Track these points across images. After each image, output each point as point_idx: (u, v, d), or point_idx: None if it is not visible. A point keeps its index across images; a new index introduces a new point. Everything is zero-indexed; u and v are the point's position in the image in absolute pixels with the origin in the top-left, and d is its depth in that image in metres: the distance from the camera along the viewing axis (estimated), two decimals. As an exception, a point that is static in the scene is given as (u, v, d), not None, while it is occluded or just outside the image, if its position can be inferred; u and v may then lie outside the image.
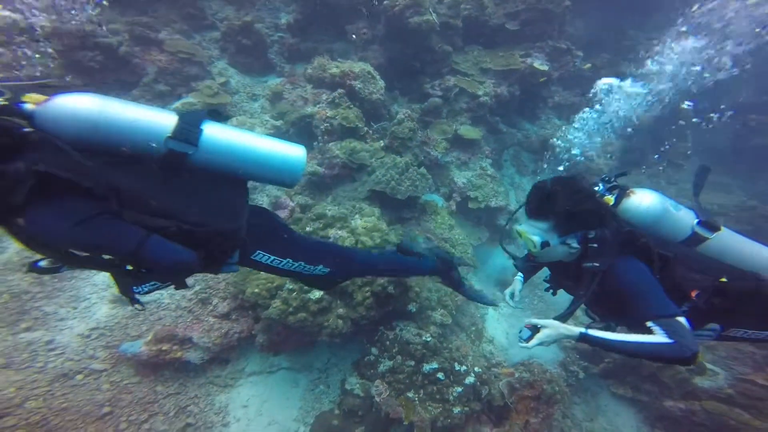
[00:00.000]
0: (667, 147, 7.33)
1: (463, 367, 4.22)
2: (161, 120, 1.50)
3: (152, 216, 1.43)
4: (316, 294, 3.83)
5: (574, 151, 5.99)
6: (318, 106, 5.56)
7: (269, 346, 4.11)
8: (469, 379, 4.17)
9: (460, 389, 4.08)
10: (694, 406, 4.77)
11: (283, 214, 4.67)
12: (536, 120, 6.93)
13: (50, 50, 5.14)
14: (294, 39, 6.67)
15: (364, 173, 4.88)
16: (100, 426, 3.27)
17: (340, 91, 5.37)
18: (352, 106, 5.36)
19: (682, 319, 1.49)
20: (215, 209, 1.61)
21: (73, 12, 5.31)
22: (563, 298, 2.17)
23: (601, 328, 1.84)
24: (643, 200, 1.79)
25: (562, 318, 1.79)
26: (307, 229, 4.22)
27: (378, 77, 5.55)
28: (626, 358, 2.02)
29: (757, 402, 4.66)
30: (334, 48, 6.50)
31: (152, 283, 1.55)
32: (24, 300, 3.89)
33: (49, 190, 1.24)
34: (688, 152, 7.83)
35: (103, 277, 4.20)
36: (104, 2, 5.47)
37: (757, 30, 6.39)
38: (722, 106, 7.38)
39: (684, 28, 6.18)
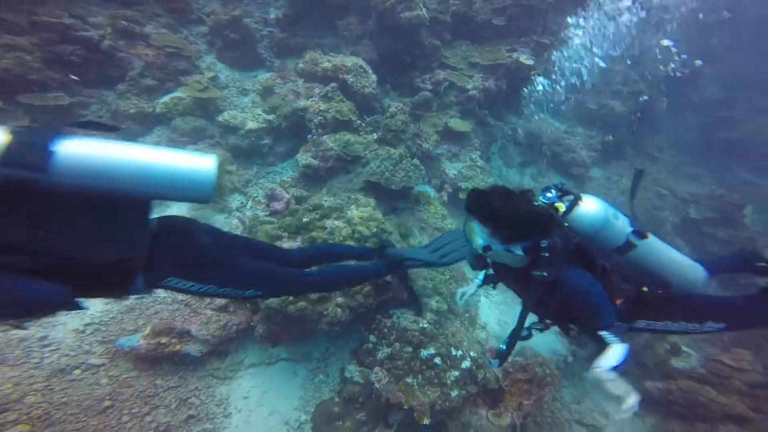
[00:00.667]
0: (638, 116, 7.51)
1: (459, 352, 4.33)
2: None
3: None
4: (316, 283, 3.88)
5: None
6: (311, 99, 5.58)
7: (268, 336, 4.13)
8: (465, 364, 4.28)
9: (456, 373, 4.19)
10: (670, 386, 5.06)
11: (278, 205, 4.69)
12: (522, 114, 7.13)
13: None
14: (283, 34, 6.67)
15: (358, 165, 4.94)
16: (102, 419, 3.23)
17: (333, 85, 5.41)
18: (345, 99, 5.41)
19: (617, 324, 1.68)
20: (100, 237, 1.42)
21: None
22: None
23: (539, 329, 1.99)
24: (589, 208, 1.80)
25: (516, 331, 1.82)
26: (304, 219, 4.25)
27: (370, 71, 5.61)
28: None
29: (724, 380, 5.03)
30: (324, 43, 6.53)
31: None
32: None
33: None
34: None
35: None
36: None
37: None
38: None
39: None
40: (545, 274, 1.60)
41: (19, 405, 3.02)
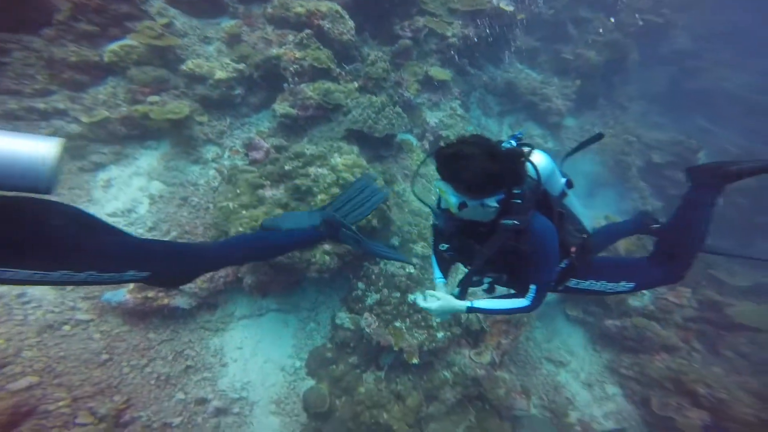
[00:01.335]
0: None
1: (445, 294, 4.51)
2: None
3: None
4: (304, 231, 3.87)
5: None
6: (285, 47, 5.28)
7: (257, 287, 4.14)
8: (451, 305, 4.47)
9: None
10: (626, 323, 5.56)
11: (258, 155, 4.55)
12: (500, 63, 7.07)
13: None
14: (248, -25, 6.15)
15: (339, 114, 4.81)
16: (104, 371, 3.26)
17: (307, 31, 5.12)
18: (321, 47, 5.16)
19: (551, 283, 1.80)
20: None
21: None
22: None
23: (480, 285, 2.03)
24: (539, 157, 1.83)
25: (463, 283, 1.94)
26: (287, 167, 4.17)
27: (347, 17, 5.33)
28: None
29: (667, 315, 5.65)
30: (293, -15, 6.08)
31: None
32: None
33: None
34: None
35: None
36: None
37: None
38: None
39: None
40: (516, 222, 1.59)
41: (18, 359, 2.99)
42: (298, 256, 3.83)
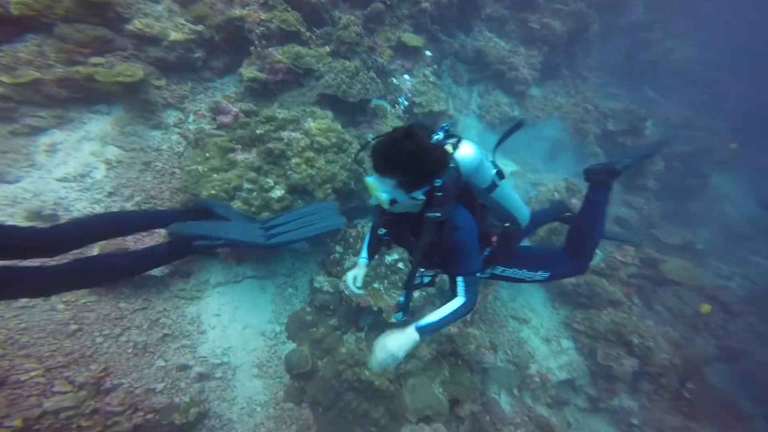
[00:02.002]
0: None
1: (421, 256, 4.65)
2: None
3: None
4: (277, 192, 3.82)
5: None
6: (248, 8, 5.00)
7: (232, 254, 4.08)
8: (427, 266, 4.63)
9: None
10: (580, 280, 6.05)
11: (226, 119, 4.38)
12: (470, 31, 7.08)
13: None
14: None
15: (311, 78, 4.67)
16: (75, 341, 3.12)
17: (273, -10, 4.86)
18: (289, 9, 4.93)
19: (477, 274, 1.78)
20: None
21: None
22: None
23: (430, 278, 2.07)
24: (468, 149, 1.84)
25: (410, 281, 1.86)
26: (258, 131, 4.05)
27: (315, -25, 5.10)
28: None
29: (614, 272, 6.22)
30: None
31: None
32: None
33: None
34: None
35: (22, 190, 3.65)
36: None
37: None
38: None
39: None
40: (438, 214, 1.62)
41: (-29, 332, 2.79)
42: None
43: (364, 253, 2.35)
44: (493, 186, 1.94)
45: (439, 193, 1.61)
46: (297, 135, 4.06)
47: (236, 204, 3.69)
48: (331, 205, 2.49)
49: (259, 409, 3.85)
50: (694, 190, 8.51)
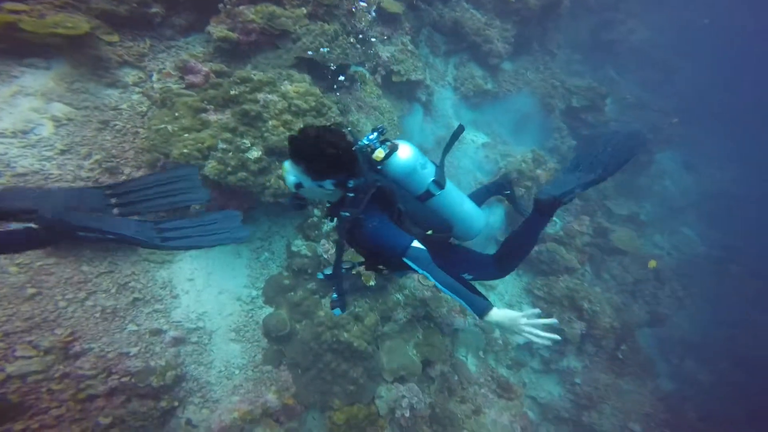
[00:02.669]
0: None
1: (397, 223, 4.73)
2: None
3: None
4: (255, 153, 3.72)
5: None
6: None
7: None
8: (403, 232, 4.71)
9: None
10: (542, 248, 6.45)
11: (196, 79, 4.13)
12: (448, 1, 7.00)
13: None
14: None
15: (288, 41, 4.47)
16: (35, 305, 2.93)
17: (242, -60, 4.53)
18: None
19: (415, 243, 1.69)
20: None
21: None
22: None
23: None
24: (402, 155, 1.89)
25: (335, 273, 1.90)
26: (232, 92, 3.87)
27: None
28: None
29: (571, 240, 6.65)
30: None
31: None
32: None
33: None
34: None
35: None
36: None
37: None
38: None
39: None
40: (348, 213, 1.69)
41: None
42: (252, 180, 3.70)
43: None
44: (428, 195, 1.98)
45: (351, 194, 1.70)
46: (273, 97, 3.92)
47: (211, 164, 3.55)
48: (234, 215, 2.31)
49: (237, 371, 3.85)
50: (642, 166, 9.14)
